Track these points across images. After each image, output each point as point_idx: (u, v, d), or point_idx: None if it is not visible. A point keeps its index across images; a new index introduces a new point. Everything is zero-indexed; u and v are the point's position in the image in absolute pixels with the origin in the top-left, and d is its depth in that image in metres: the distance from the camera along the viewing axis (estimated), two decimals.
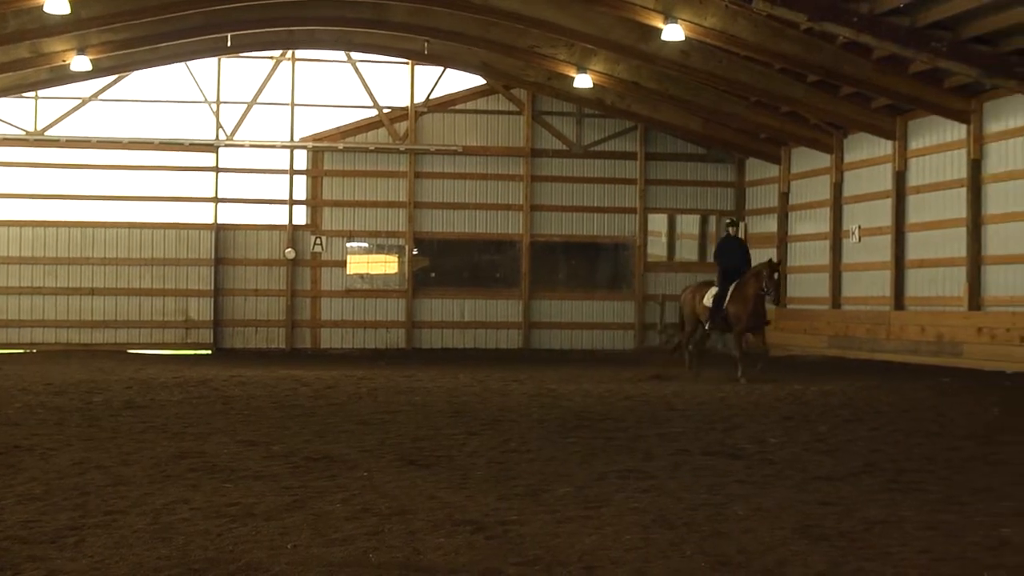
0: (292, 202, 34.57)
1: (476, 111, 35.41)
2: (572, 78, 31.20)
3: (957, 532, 8.41)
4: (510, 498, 9.61)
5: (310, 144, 34.48)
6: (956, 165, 27.75)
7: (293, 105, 34.52)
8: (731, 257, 24.40)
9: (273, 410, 16.68)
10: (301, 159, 34.67)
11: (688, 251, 37.10)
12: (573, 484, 10.33)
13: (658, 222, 36.58)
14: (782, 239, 34.91)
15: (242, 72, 34.27)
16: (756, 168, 36.18)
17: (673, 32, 25.38)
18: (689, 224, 37.03)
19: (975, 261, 26.92)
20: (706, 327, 24.53)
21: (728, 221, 25.76)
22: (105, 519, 8.67)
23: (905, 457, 12.24)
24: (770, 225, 35.45)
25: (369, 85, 34.65)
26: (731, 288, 23.58)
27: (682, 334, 25.63)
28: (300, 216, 34.75)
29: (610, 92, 32.92)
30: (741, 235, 25.98)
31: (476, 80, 34.95)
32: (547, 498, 9.64)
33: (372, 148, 34.74)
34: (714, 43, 26.87)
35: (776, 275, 23.25)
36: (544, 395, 19.35)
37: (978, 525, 8.66)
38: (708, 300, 23.96)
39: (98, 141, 33.50)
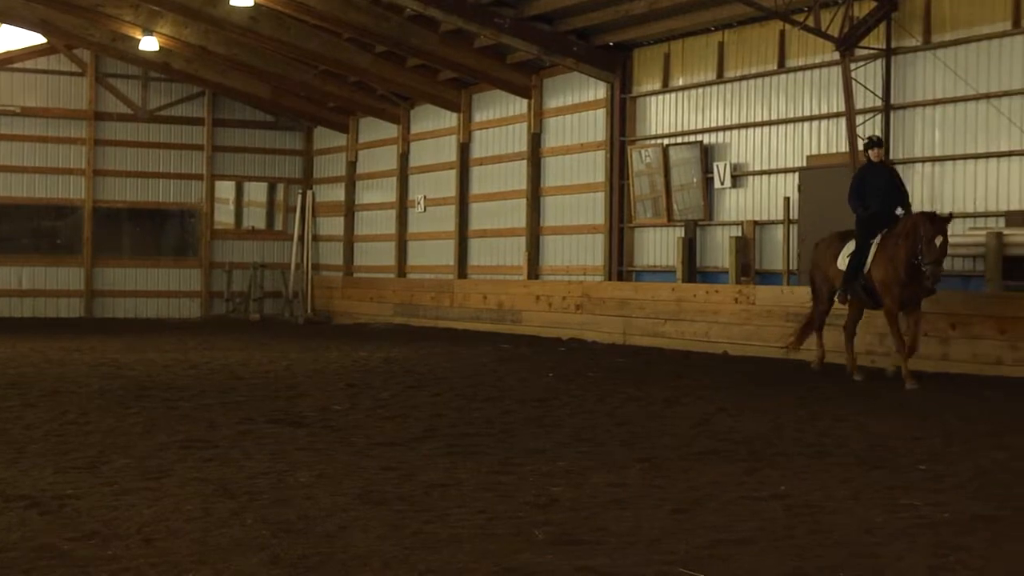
0: None
1: (36, 71, 33.94)
2: (138, 40, 30.40)
3: (511, 492, 8.73)
4: (67, 471, 9.35)
5: None
6: (518, 138, 28.70)
7: None
8: (876, 194, 16.80)
9: None
10: None
11: (256, 219, 36.88)
12: (133, 456, 10.15)
13: (226, 189, 36.22)
14: (349, 208, 35.25)
15: None
16: (324, 137, 36.35)
17: None
18: (257, 191, 36.82)
19: (534, 232, 27.98)
20: (835, 298, 17.41)
21: (868, 140, 17.28)
22: None
23: (465, 421, 12.60)
24: (338, 194, 35.72)
25: None
26: (875, 243, 16.69)
27: (815, 311, 18.12)
28: None
29: (177, 56, 32.27)
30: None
31: (36, 38, 33.47)
32: (106, 470, 9.43)
33: None
34: (283, 10, 26.76)
35: (940, 239, 15.70)
36: (106, 365, 18.87)
37: (531, 485, 9.02)
38: (843, 260, 17.15)
39: None
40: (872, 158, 16.99)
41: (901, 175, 17.51)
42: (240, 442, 10.98)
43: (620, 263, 25.54)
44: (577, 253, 26.97)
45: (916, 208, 17.83)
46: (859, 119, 20.24)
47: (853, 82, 20.15)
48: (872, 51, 20.30)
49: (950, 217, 16.31)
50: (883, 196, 16.68)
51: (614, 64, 25.44)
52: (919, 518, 7.86)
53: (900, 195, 16.89)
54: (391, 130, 33.24)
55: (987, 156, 18.86)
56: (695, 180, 23.77)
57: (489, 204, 29.74)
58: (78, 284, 34.20)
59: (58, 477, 9.13)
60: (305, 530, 7.44)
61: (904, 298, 16.20)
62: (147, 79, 34.77)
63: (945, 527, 7.61)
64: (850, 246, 16.96)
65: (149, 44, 30.24)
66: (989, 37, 18.94)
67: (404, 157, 32.91)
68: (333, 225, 36.05)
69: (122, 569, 6.49)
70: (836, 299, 17.23)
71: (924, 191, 19.56)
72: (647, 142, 24.99)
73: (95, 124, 34.35)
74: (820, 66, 21.51)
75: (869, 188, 16.76)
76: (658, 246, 24.98)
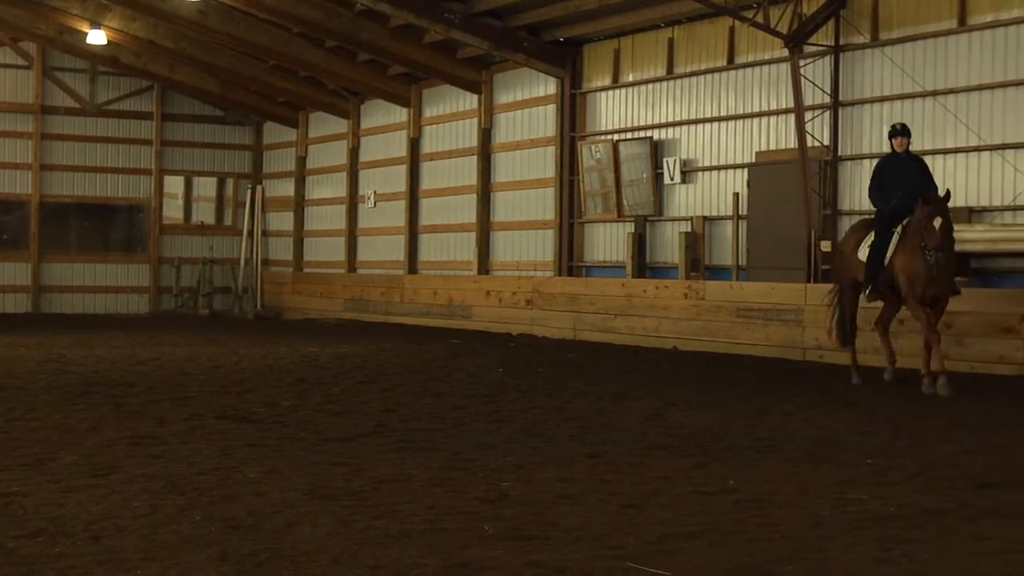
0: None
1: None
2: (85, 33, 30.17)
3: (461, 487, 8.71)
4: (13, 468, 9.26)
5: None
6: (468, 134, 28.69)
7: None
8: (899, 187, 15.24)
9: None
10: None
11: (205, 214, 36.67)
12: (81, 452, 10.06)
13: (174, 184, 35.99)
14: (299, 203, 35.16)
15: None
16: (274, 131, 36.20)
17: None
18: (206, 187, 36.62)
19: (485, 227, 27.98)
20: (865, 294, 15.74)
21: (891, 129, 15.80)
22: None
23: (415, 417, 12.57)
24: (288, 189, 35.61)
25: None
26: (897, 232, 15.24)
27: (839, 304, 16.41)
28: None
29: (125, 50, 32.05)
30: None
31: None
32: (53, 467, 9.35)
33: None
34: (233, 4, 26.65)
35: (939, 221, 14.41)
36: (54, 361, 18.72)
37: (480, 480, 9.01)
38: (863, 250, 15.63)
39: None
40: (895, 148, 15.52)
41: (851, 172, 17.56)
42: (189, 438, 10.91)
43: (570, 258, 25.59)
44: (527, 248, 26.99)
45: None
46: (808, 116, 20.36)
47: (802, 79, 20.27)
48: (821, 48, 20.41)
49: (948, 195, 14.89)
50: (907, 189, 15.03)
51: (564, 60, 25.47)
52: (866, 512, 7.91)
53: (929, 186, 15.18)
54: (341, 125, 33.16)
55: (933, 153, 18.98)
56: (645, 176, 23.84)
57: (439, 199, 29.72)
58: (25, 279, 33.91)
59: (4, 474, 9.04)
60: (254, 526, 7.40)
61: (928, 295, 14.87)
62: (95, 73, 34.51)
63: (892, 521, 7.66)
64: (871, 236, 15.52)
65: (97, 38, 30.02)
66: (935, 35, 19.12)
67: (354, 152, 32.85)
68: (283, 220, 35.93)
69: (69, 567, 6.44)
70: (865, 296, 15.73)
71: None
72: (597, 138, 25.04)
73: (42, 118, 34.06)
74: (769, 63, 21.62)
75: (891, 180, 15.31)
76: (608, 241, 25.03)
